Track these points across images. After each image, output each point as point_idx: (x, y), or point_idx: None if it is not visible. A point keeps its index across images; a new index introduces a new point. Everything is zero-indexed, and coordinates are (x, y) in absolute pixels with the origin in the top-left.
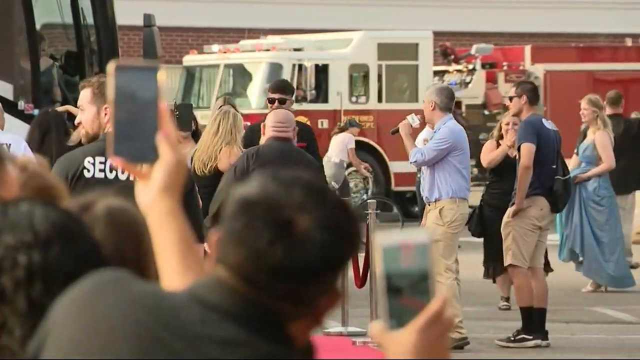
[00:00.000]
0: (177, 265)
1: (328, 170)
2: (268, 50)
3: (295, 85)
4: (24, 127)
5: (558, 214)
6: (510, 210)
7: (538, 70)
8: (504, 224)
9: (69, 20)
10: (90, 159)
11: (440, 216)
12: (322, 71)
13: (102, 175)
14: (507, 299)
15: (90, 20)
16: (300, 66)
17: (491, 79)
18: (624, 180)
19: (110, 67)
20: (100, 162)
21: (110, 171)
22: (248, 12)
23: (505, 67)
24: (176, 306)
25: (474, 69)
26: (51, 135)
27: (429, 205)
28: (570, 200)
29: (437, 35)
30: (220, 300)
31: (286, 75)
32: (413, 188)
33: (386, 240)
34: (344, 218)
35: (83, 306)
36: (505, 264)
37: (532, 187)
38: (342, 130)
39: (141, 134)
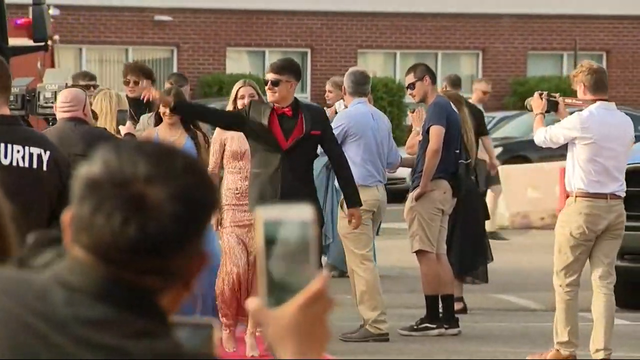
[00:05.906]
0: None
1: None
2: None
3: None
4: None
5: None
6: (413, 194)
7: None
8: (407, 209)
9: None
10: None
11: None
12: None
13: None
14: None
15: None
16: None
17: None
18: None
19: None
20: None
21: (5, 157)
22: None
23: None
24: (40, 290)
25: None
26: None
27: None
28: (324, 186)
29: None
30: (84, 281)
31: None
32: None
33: (267, 214)
34: (195, 182)
35: None
36: (412, 250)
37: (436, 170)
38: None
39: None
